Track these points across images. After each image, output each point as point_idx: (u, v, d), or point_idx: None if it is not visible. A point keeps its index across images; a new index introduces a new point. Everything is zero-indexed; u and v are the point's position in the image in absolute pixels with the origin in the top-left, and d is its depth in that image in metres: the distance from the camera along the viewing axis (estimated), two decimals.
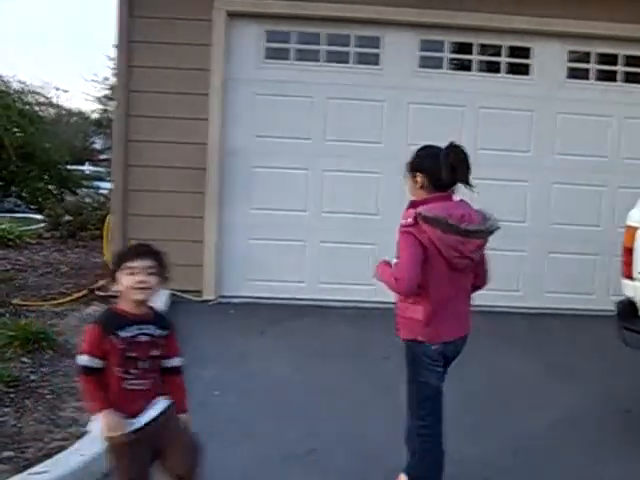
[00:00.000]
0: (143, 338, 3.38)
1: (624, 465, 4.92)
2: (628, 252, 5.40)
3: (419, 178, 3.94)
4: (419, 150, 4.06)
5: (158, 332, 3.44)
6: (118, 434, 3.25)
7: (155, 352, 3.42)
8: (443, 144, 4.11)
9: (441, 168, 3.82)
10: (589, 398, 6.05)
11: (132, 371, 3.35)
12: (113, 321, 3.36)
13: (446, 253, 3.80)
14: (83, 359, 3.32)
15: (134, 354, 3.34)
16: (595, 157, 8.53)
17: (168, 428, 3.40)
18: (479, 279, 4.13)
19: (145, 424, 3.36)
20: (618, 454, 5.08)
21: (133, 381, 3.36)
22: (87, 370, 3.31)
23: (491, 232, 3.91)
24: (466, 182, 3.86)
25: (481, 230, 3.84)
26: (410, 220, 3.79)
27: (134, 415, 3.35)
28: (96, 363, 3.30)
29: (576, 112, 8.48)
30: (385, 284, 3.92)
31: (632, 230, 5.39)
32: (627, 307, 5.42)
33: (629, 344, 5.39)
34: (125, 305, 3.39)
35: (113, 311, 3.43)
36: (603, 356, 6.89)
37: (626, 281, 5.47)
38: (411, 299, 3.92)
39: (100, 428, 3.28)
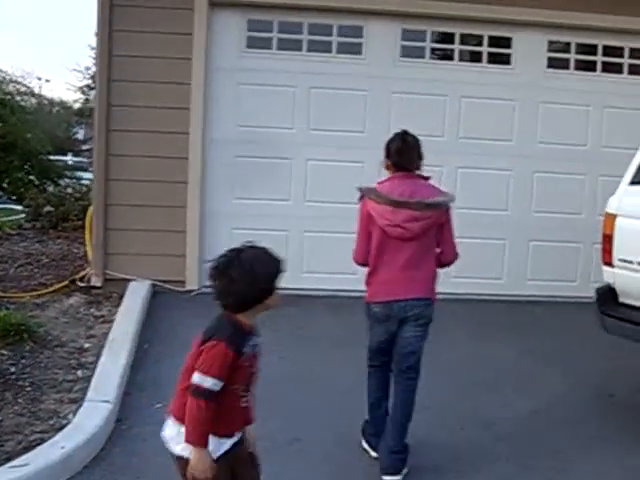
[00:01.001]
0: (257, 350, 3.22)
1: (608, 449, 4.97)
2: (607, 239, 5.44)
3: (386, 161, 4.67)
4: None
5: (260, 341, 3.26)
6: (204, 477, 3.03)
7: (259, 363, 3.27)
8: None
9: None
10: (572, 384, 6.12)
11: (250, 388, 3.22)
12: (241, 338, 3.12)
13: (379, 221, 4.45)
14: (209, 382, 3.01)
15: (254, 369, 3.21)
16: (576, 146, 8.55)
17: (244, 446, 3.29)
18: (443, 255, 4.64)
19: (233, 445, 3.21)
20: (602, 438, 5.15)
21: (248, 398, 3.23)
22: (210, 395, 3.02)
23: (428, 206, 4.44)
24: (410, 165, 4.57)
25: (407, 202, 4.42)
26: (358, 196, 4.60)
27: (233, 434, 3.21)
28: (219, 386, 3.04)
29: (557, 101, 8.49)
30: None
31: (611, 217, 5.44)
32: (606, 293, 5.48)
33: (608, 330, 5.45)
34: (245, 317, 3.15)
35: (238, 325, 3.13)
36: (586, 342, 6.93)
37: (606, 268, 5.52)
38: None
39: (192, 461, 3.03)
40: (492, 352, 6.76)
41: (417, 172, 4.64)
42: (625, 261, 5.32)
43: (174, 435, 3.11)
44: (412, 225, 4.42)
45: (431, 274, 4.62)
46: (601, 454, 4.91)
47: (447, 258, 4.65)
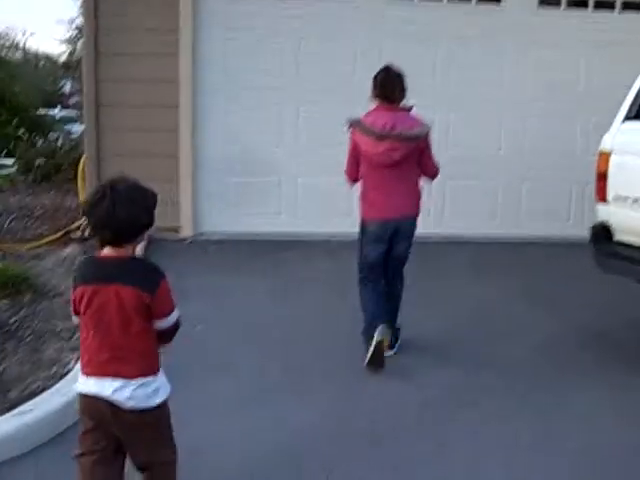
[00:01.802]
0: None
1: (600, 383, 5.05)
2: (602, 177, 5.45)
3: (372, 92, 5.15)
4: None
5: None
6: None
7: None
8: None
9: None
10: (566, 321, 6.18)
11: None
12: None
13: (364, 150, 5.08)
14: (177, 312, 3.14)
15: None
16: (569, 85, 8.51)
17: None
18: (425, 171, 5.28)
19: None
20: (594, 373, 5.22)
21: None
22: None
23: (406, 138, 5.00)
24: (392, 96, 5.07)
25: (388, 135, 4.96)
26: (347, 126, 5.17)
27: None
28: None
29: (548, 40, 8.43)
30: None
31: (605, 155, 5.44)
32: (601, 231, 5.49)
33: (602, 268, 5.48)
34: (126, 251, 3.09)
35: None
36: (579, 281, 6.99)
37: (600, 206, 5.53)
38: None
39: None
40: (486, 292, 6.81)
41: (400, 103, 5.15)
42: (620, 198, 5.33)
43: (148, 392, 3.05)
44: (392, 154, 5.03)
45: (415, 193, 5.28)
46: (594, 388, 4.98)
47: (428, 174, 5.32)
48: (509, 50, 8.46)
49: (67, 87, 32.11)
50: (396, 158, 5.04)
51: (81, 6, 8.19)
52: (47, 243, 7.71)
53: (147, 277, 3.03)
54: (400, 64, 5.54)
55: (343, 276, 6.58)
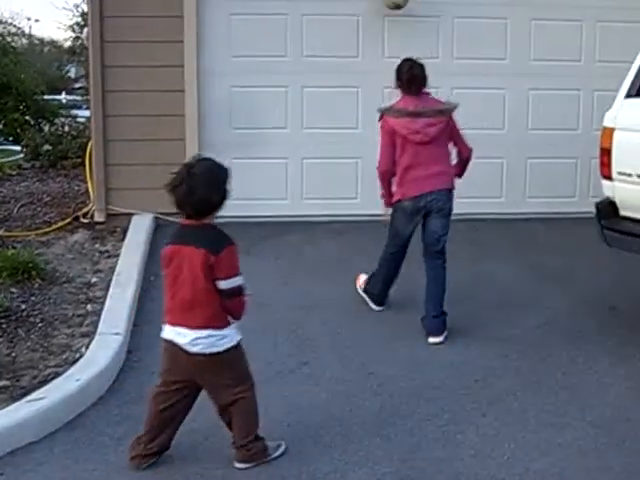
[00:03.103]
0: None
1: (611, 361, 5.07)
2: (606, 153, 5.45)
3: (397, 83, 5.52)
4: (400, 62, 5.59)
5: None
6: None
7: None
8: (420, 55, 5.61)
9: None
10: (574, 298, 6.20)
11: None
12: None
13: (401, 131, 5.37)
14: (242, 279, 3.61)
15: None
16: (570, 61, 8.45)
17: None
18: (461, 153, 5.66)
19: None
20: (605, 350, 5.24)
21: None
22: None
23: (439, 112, 5.45)
24: (417, 89, 5.45)
25: (423, 112, 5.38)
26: (379, 116, 5.52)
27: None
28: None
29: (550, 17, 8.38)
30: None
31: (609, 131, 5.44)
32: (606, 207, 5.50)
33: (609, 243, 5.49)
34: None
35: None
36: (586, 257, 7.01)
37: (605, 182, 5.54)
38: None
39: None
40: (494, 270, 6.82)
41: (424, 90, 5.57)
42: (624, 174, 5.34)
43: (213, 341, 3.57)
44: (429, 130, 5.37)
45: (450, 169, 5.57)
46: (605, 366, 5.01)
47: (464, 154, 5.67)
48: (510, 28, 8.36)
49: (72, 72, 32.15)
50: (432, 134, 5.38)
51: None
52: (56, 229, 7.76)
53: (215, 241, 3.56)
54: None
55: (351, 256, 6.65)
